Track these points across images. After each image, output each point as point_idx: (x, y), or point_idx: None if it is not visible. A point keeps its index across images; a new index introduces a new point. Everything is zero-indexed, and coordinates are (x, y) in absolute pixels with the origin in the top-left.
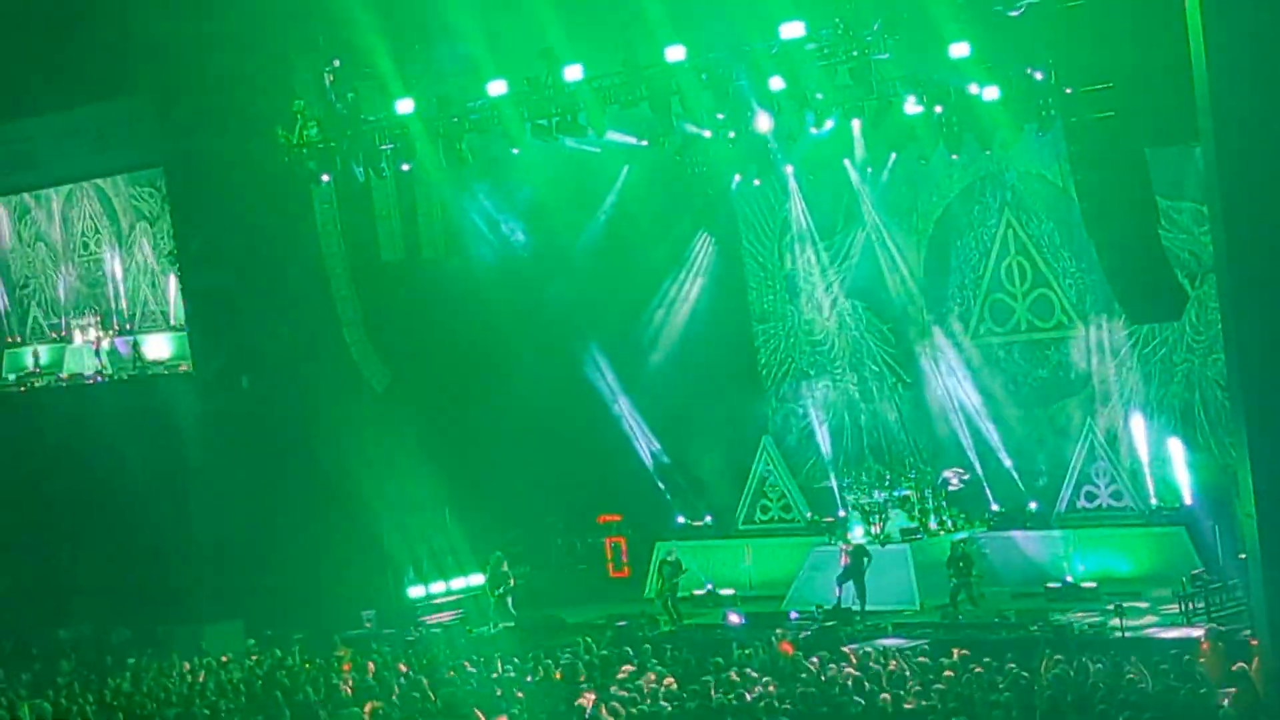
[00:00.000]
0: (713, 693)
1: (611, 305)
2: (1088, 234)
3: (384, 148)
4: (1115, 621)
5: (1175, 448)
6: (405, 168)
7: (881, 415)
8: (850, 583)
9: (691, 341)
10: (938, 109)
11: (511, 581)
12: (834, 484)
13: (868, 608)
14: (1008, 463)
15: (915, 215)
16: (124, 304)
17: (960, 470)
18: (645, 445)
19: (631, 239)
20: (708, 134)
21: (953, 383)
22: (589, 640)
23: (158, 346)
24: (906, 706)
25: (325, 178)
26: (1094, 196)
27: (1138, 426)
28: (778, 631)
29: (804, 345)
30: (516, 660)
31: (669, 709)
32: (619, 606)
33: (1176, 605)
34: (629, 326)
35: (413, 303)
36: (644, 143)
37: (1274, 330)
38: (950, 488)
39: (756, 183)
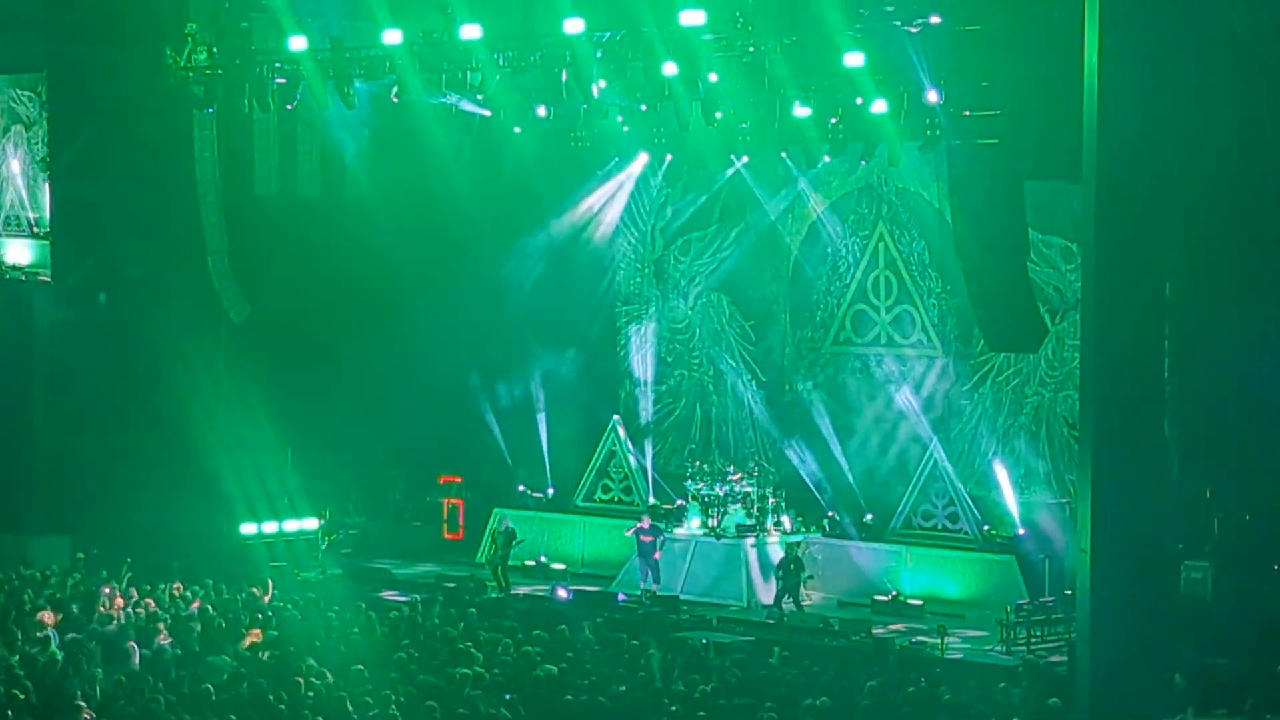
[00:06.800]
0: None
1: (479, 265)
2: (958, 257)
3: (278, 81)
4: (936, 641)
5: (1011, 479)
6: (289, 108)
7: (732, 410)
8: (646, 561)
9: (554, 315)
10: (833, 120)
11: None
12: (678, 472)
13: (700, 598)
14: (850, 473)
15: (791, 217)
16: None
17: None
18: (495, 411)
19: (508, 203)
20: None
21: (807, 387)
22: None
23: (18, 252)
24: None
25: (212, 110)
26: (968, 221)
27: (982, 453)
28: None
29: (664, 331)
30: (338, 609)
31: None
32: (450, 568)
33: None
34: (495, 290)
35: (281, 239)
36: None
37: (1131, 371)
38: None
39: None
